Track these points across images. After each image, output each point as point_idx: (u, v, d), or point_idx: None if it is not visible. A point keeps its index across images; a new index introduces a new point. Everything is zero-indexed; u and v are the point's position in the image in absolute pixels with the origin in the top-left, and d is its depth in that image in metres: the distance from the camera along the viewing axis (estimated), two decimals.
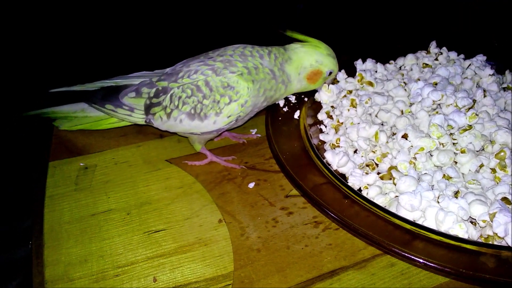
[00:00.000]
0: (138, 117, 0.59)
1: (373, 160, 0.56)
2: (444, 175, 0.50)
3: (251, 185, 0.58)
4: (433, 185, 0.50)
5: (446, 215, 0.44)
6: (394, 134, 0.59)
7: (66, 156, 0.63)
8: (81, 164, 0.62)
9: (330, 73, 0.60)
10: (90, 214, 0.54)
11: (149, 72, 0.63)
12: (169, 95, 0.56)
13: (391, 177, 0.52)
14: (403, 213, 0.46)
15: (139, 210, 0.54)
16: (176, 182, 0.59)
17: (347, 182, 0.53)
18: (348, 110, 0.61)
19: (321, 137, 0.59)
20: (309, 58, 0.58)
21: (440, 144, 0.53)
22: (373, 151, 0.57)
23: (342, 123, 0.61)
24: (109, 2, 1.29)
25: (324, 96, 0.64)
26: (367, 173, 0.54)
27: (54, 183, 0.59)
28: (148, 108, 0.58)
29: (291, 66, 0.58)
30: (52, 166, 0.61)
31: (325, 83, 0.63)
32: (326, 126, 0.61)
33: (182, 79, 0.56)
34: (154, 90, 0.58)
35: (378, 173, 0.55)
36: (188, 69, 0.57)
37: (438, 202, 0.46)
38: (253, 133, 0.67)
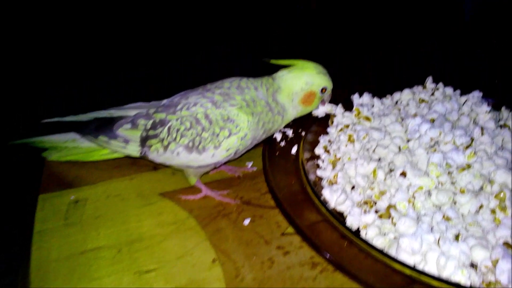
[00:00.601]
0: (133, 149, 0.58)
1: (371, 197, 0.55)
2: (443, 215, 0.49)
3: (247, 221, 0.56)
4: (433, 226, 0.49)
5: (447, 260, 0.43)
6: (391, 170, 0.58)
7: (57, 188, 0.61)
8: (72, 197, 0.60)
9: (324, 89, 0.59)
10: (79, 251, 0.52)
11: (145, 103, 0.62)
12: (167, 127, 0.56)
13: (389, 216, 0.51)
14: (403, 257, 0.45)
15: (130, 248, 0.53)
16: (169, 217, 0.57)
17: (345, 222, 0.52)
18: (346, 145, 0.60)
19: (319, 173, 0.58)
20: (298, 82, 0.58)
21: (439, 183, 0.53)
22: (371, 188, 0.56)
23: (339, 158, 0.60)
24: (100, 32, 1.29)
25: (321, 108, 0.63)
26: (365, 211, 0.53)
27: (43, 217, 0.57)
28: (144, 140, 0.57)
29: (282, 95, 0.58)
30: (42, 199, 0.60)
31: (323, 100, 0.62)
32: (323, 161, 0.60)
33: (181, 111, 0.56)
34: (151, 122, 0.57)
35: (376, 211, 0.54)
36: (187, 101, 0.56)
37: (439, 245, 0.45)
38: (249, 166, 0.66)
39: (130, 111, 0.60)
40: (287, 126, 0.66)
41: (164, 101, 0.60)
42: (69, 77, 1.19)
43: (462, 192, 0.51)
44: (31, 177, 0.63)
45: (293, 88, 0.58)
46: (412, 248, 0.44)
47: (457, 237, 0.46)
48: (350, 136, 0.61)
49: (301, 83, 0.58)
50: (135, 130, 0.57)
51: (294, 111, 0.59)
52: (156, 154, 0.57)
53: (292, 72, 0.58)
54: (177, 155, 0.56)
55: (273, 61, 0.59)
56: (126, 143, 0.58)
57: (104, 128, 0.59)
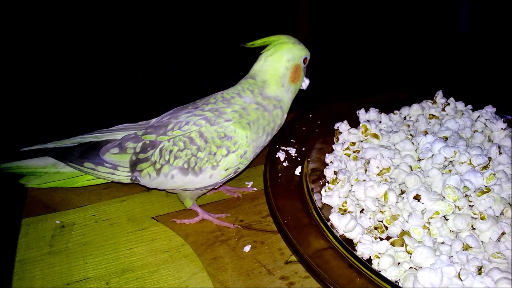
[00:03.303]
0: (123, 175, 0.53)
1: (381, 222, 0.51)
2: (463, 244, 0.45)
3: (247, 248, 0.52)
4: (451, 256, 0.45)
5: None
6: (403, 192, 0.54)
7: (42, 211, 0.57)
8: (58, 222, 0.55)
9: (306, 59, 0.55)
10: (64, 283, 0.48)
11: (132, 124, 0.58)
12: (158, 149, 0.51)
13: (403, 244, 0.47)
14: None
15: (120, 279, 0.48)
16: (162, 244, 0.53)
17: (355, 250, 0.47)
18: (353, 166, 0.56)
19: (325, 200, 0.54)
20: (280, 64, 0.53)
21: (456, 207, 0.49)
22: (381, 211, 0.52)
23: (346, 179, 0.56)
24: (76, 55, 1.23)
25: (306, 81, 0.58)
26: (376, 238, 0.49)
27: (26, 244, 0.52)
28: (134, 165, 0.52)
29: (270, 87, 0.53)
30: (25, 223, 0.55)
31: (305, 76, 0.57)
32: (329, 183, 0.56)
33: (172, 131, 0.51)
34: (140, 144, 0.52)
35: (388, 237, 0.49)
36: (177, 120, 0.52)
37: (461, 279, 0.41)
38: (249, 186, 0.62)
39: (116, 133, 0.56)
40: (290, 144, 0.62)
41: (153, 121, 0.56)
42: (50, 94, 1.13)
43: (482, 218, 0.47)
44: (14, 199, 0.58)
45: (279, 72, 0.53)
46: (431, 282, 0.40)
47: (480, 270, 0.42)
48: (356, 157, 0.57)
49: (283, 63, 0.53)
50: (124, 154, 0.53)
51: (289, 94, 0.55)
52: (148, 178, 0.53)
53: (269, 57, 0.53)
54: (171, 178, 0.52)
55: (249, 44, 0.54)
56: (114, 168, 0.53)
57: (89, 154, 0.54)
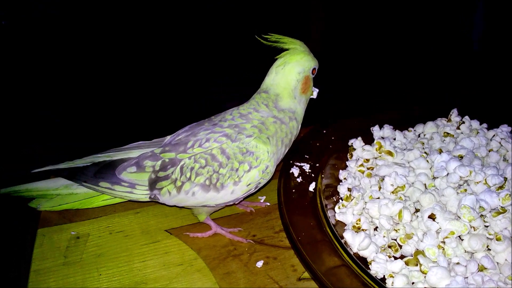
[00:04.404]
0: (141, 194, 0.53)
1: (395, 240, 0.51)
2: (478, 265, 0.45)
3: (259, 263, 0.52)
4: (467, 277, 0.44)
5: None
6: (417, 210, 0.54)
7: (57, 222, 0.58)
8: (73, 232, 0.56)
9: (314, 70, 0.56)
10: None
11: (145, 142, 0.58)
12: (178, 167, 0.52)
13: (417, 263, 0.47)
14: None
15: None
16: (175, 257, 0.53)
17: (369, 268, 0.47)
18: (368, 183, 0.56)
19: (339, 217, 0.54)
20: (291, 77, 0.54)
21: (471, 228, 0.48)
22: (395, 230, 0.52)
23: (360, 196, 0.55)
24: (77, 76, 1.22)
25: (315, 91, 0.58)
26: (390, 257, 0.49)
27: (41, 254, 0.53)
28: (153, 183, 0.53)
29: (284, 100, 0.54)
30: (40, 234, 0.56)
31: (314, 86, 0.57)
32: (343, 199, 0.56)
33: (193, 149, 0.52)
34: (159, 162, 0.53)
35: (402, 256, 0.49)
36: (197, 138, 0.52)
37: None
38: (262, 200, 0.62)
39: (131, 152, 0.56)
40: (304, 160, 0.62)
41: (167, 139, 0.56)
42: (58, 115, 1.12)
43: (498, 239, 0.46)
44: (30, 209, 0.58)
45: (290, 85, 0.54)
46: None
47: None
48: (370, 174, 0.57)
49: (294, 76, 0.54)
50: (142, 173, 0.53)
51: (301, 105, 0.56)
52: (168, 196, 0.53)
53: (280, 70, 0.54)
54: (192, 195, 0.52)
55: (265, 38, 0.53)
56: (132, 187, 0.53)
57: (104, 173, 0.54)
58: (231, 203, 0.55)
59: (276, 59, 0.55)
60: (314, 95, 0.58)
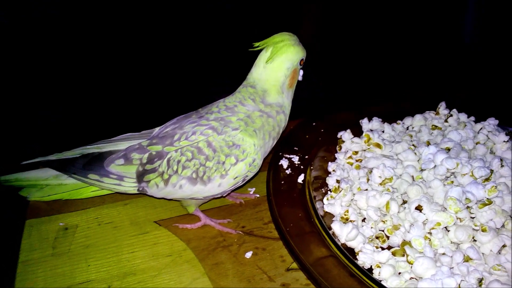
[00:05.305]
0: (129, 186, 0.53)
1: (383, 231, 0.51)
2: (464, 256, 0.45)
3: (248, 254, 0.52)
4: (452, 267, 0.45)
5: None
6: (404, 202, 0.54)
7: (45, 213, 0.57)
8: (61, 224, 0.56)
9: (302, 60, 0.54)
10: (67, 285, 0.48)
11: (134, 134, 0.58)
12: (165, 159, 0.52)
13: (404, 254, 0.47)
14: None
15: (122, 282, 0.48)
16: (165, 248, 0.53)
17: (356, 259, 0.48)
18: (356, 175, 0.57)
19: (327, 208, 0.54)
20: (280, 73, 0.53)
21: (457, 219, 0.49)
22: (383, 221, 0.52)
23: (349, 188, 0.56)
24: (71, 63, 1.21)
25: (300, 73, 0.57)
26: (377, 247, 0.49)
27: (29, 245, 0.53)
28: (141, 176, 0.52)
29: (271, 95, 0.54)
30: (28, 225, 0.56)
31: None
32: (331, 191, 0.57)
33: (179, 142, 0.52)
34: (146, 155, 0.52)
35: (389, 247, 0.50)
36: (183, 131, 0.52)
37: None
38: (251, 192, 0.63)
39: (119, 144, 0.56)
40: (293, 152, 0.63)
41: (156, 131, 0.56)
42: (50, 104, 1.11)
43: (483, 230, 0.47)
44: (18, 200, 0.58)
45: (279, 81, 0.53)
46: None
47: (480, 282, 0.42)
48: (359, 166, 0.58)
49: (283, 71, 0.53)
50: (130, 165, 0.53)
51: (289, 98, 0.56)
52: (156, 189, 0.53)
53: (268, 66, 0.53)
54: (179, 188, 0.52)
55: (255, 45, 0.53)
56: (120, 180, 0.53)
57: (93, 165, 0.54)
58: (219, 196, 0.55)
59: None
60: (300, 78, 0.57)
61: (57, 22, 1.12)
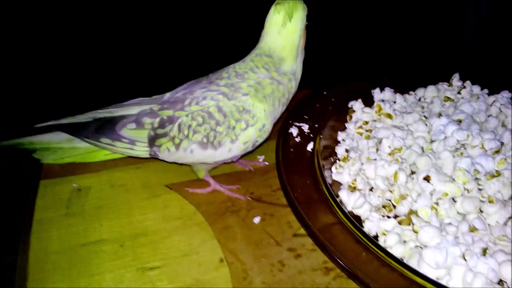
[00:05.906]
0: (141, 150, 0.54)
1: (390, 201, 0.52)
2: (470, 226, 0.46)
3: (256, 219, 0.53)
4: (457, 237, 0.46)
5: (475, 277, 0.39)
6: (413, 172, 0.55)
7: (59, 174, 0.59)
8: (74, 185, 0.57)
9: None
10: (80, 244, 0.49)
11: (145, 98, 0.58)
12: (176, 124, 0.52)
13: (410, 223, 0.48)
14: (425, 269, 0.42)
15: (134, 242, 0.50)
16: (175, 211, 0.54)
17: (362, 226, 0.48)
18: (365, 145, 0.57)
19: (335, 177, 0.55)
20: (295, 34, 0.53)
21: (465, 190, 0.49)
22: (390, 191, 0.53)
23: (357, 157, 0.56)
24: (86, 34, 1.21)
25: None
26: (383, 216, 0.50)
27: (44, 205, 0.54)
28: (152, 140, 0.53)
29: (287, 62, 0.54)
30: (43, 185, 0.57)
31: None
32: (340, 160, 0.57)
33: (190, 107, 0.52)
34: (158, 120, 0.53)
35: (396, 216, 0.50)
36: (194, 96, 0.52)
37: (465, 259, 0.42)
38: (261, 159, 0.63)
39: (131, 108, 0.56)
40: (303, 121, 0.63)
41: (167, 96, 0.56)
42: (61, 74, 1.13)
43: (490, 202, 0.47)
44: (32, 161, 0.59)
45: (295, 44, 0.53)
46: (436, 261, 0.41)
47: (484, 252, 0.43)
48: (368, 136, 0.58)
49: (298, 32, 0.53)
50: (141, 130, 0.53)
51: (301, 63, 0.56)
52: (167, 153, 0.53)
53: (283, 31, 0.52)
54: (190, 152, 0.53)
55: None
56: (132, 144, 0.54)
57: (105, 129, 0.54)
58: (229, 161, 0.56)
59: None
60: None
61: (57, 22, 1.12)
